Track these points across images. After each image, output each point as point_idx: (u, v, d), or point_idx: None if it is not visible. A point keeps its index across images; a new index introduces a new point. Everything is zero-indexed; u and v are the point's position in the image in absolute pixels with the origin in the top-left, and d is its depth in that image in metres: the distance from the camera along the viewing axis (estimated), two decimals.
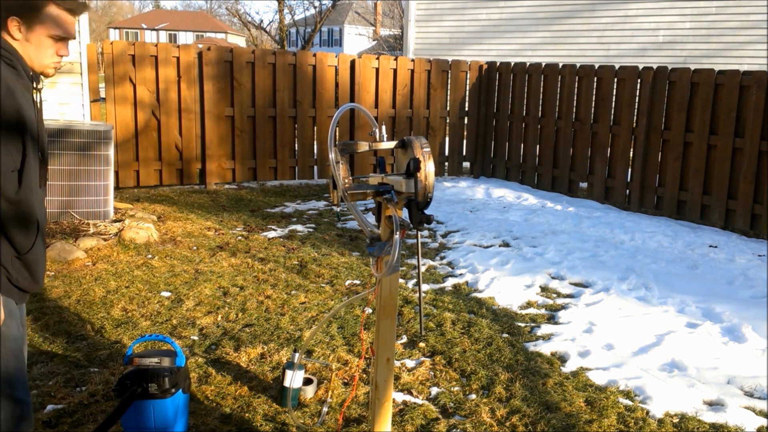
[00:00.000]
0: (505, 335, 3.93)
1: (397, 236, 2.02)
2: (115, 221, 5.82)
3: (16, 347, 1.94)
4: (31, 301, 4.09)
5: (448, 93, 8.97)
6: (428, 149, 2.06)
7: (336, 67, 8.26)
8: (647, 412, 3.12)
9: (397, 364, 3.48)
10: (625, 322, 4.14)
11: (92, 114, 7.17)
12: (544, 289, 4.76)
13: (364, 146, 2.22)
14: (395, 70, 8.53)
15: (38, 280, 2.00)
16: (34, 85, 1.98)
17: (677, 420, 3.07)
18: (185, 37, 59.40)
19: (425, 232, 6.20)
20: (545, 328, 4.05)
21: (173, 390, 2.62)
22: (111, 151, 5.94)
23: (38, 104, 2.02)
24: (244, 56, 7.75)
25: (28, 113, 1.88)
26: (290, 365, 3.00)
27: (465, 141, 9.24)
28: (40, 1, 1.89)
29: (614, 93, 7.60)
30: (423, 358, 3.59)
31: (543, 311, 4.38)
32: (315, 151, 8.28)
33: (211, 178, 7.75)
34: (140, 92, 7.31)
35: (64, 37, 1.96)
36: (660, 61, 9.84)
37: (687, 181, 6.91)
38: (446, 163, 9.11)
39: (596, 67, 7.80)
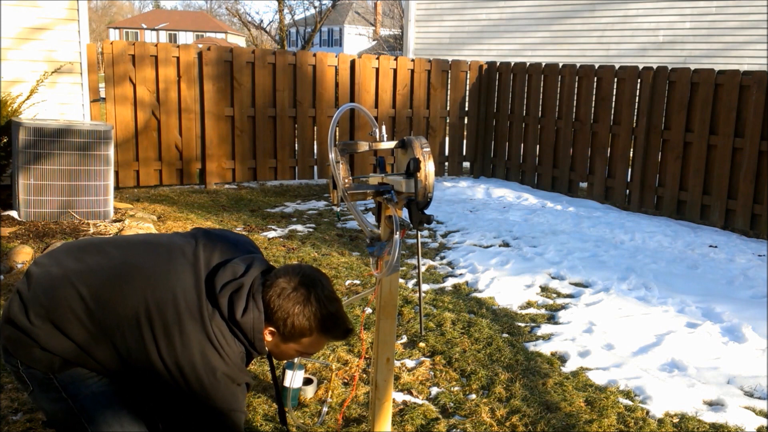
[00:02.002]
0: (505, 335, 3.93)
1: (397, 236, 2.02)
2: (115, 221, 5.82)
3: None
4: None
5: (448, 93, 8.97)
6: (428, 149, 2.06)
7: (336, 67, 8.26)
8: (647, 412, 3.12)
9: (397, 364, 3.48)
10: (625, 322, 4.14)
11: (92, 114, 7.17)
12: (544, 289, 4.76)
13: (364, 146, 2.22)
14: (395, 70, 8.53)
15: None
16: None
17: (677, 420, 3.07)
18: (185, 37, 59.40)
19: (425, 232, 6.20)
20: (545, 328, 4.05)
21: None
22: (111, 151, 5.94)
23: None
24: (244, 56, 7.75)
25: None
26: (290, 365, 3.00)
27: (465, 141, 9.24)
28: (308, 332, 1.90)
29: (614, 93, 7.60)
30: (423, 358, 3.59)
31: (543, 311, 4.37)
32: (315, 151, 8.28)
33: (211, 178, 7.75)
34: (140, 92, 7.31)
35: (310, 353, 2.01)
36: (660, 61, 9.84)
37: (687, 181, 6.91)
38: (446, 163, 9.10)
39: (596, 67, 7.80)
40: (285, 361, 3.15)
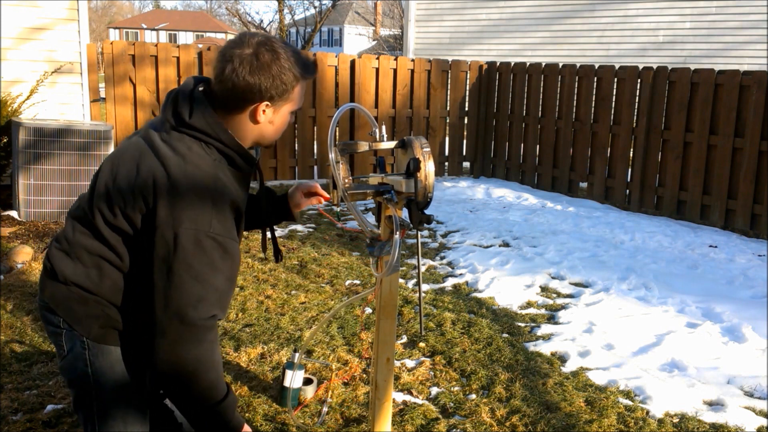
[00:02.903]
0: (505, 335, 3.93)
1: (397, 236, 2.02)
2: None
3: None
4: (31, 301, 4.09)
5: (448, 93, 8.97)
6: (428, 149, 2.06)
7: (336, 67, 8.26)
8: (647, 412, 3.12)
9: (397, 364, 3.48)
10: (625, 322, 4.14)
11: (92, 114, 7.17)
12: (544, 289, 4.76)
13: (364, 146, 2.22)
14: (395, 70, 8.53)
15: None
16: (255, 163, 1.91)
17: (677, 420, 3.07)
18: (185, 37, 59.40)
19: (425, 232, 6.20)
20: (545, 328, 4.05)
21: None
22: (111, 151, 5.94)
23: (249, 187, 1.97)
24: None
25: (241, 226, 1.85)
26: (290, 365, 3.00)
27: (465, 141, 9.24)
28: (295, 81, 1.80)
29: (614, 93, 7.60)
30: (423, 358, 3.59)
31: (543, 311, 4.38)
32: (315, 151, 8.28)
33: None
34: (140, 92, 7.31)
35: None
36: (660, 61, 9.84)
37: (687, 181, 6.91)
38: (446, 163, 9.10)
39: (596, 67, 7.80)
40: (285, 361, 3.15)
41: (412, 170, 2.03)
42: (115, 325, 1.84)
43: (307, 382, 3.14)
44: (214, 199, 1.70)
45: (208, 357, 1.75)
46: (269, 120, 1.83)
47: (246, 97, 1.76)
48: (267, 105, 1.79)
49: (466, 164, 9.43)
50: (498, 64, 9.00)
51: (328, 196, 2.23)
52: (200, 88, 1.80)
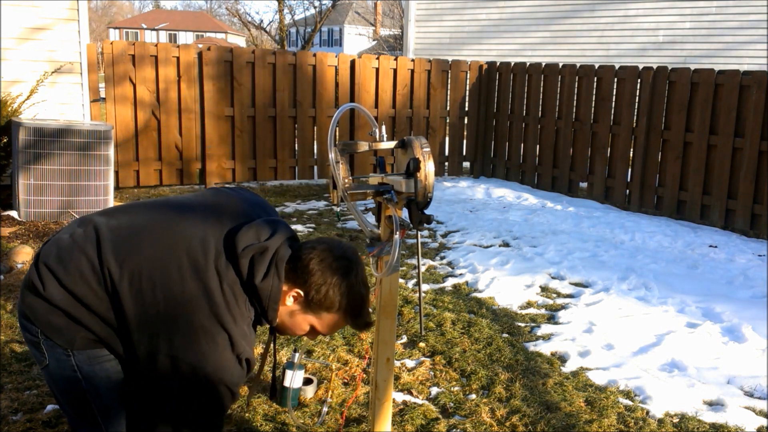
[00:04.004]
0: (505, 335, 3.93)
1: (397, 236, 2.02)
2: None
3: None
4: None
5: (448, 93, 8.97)
6: (428, 149, 2.05)
7: (336, 67, 8.26)
8: (647, 412, 3.12)
9: (397, 364, 3.48)
10: (625, 322, 4.14)
11: (92, 114, 7.17)
12: (544, 289, 4.76)
13: (364, 146, 2.22)
14: (395, 70, 8.53)
15: None
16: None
17: (677, 420, 3.07)
18: (185, 37, 59.40)
19: (425, 232, 6.20)
20: (545, 328, 4.05)
21: None
22: (111, 151, 5.94)
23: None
24: (244, 56, 7.75)
25: None
26: (290, 365, 3.00)
27: (465, 141, 9.24)
28: (334, 308, 1.84)
29: (614, 93, 7.60)
30: (423, 358, 3.59)
31: (543, 311, 4.38)
32: (315, 151, 8.28)
33: (211, 178, 7.75)
34: (140, 92, 7.31)
35: (319, 333, 1.93)
36: (660, 61, 9.84)
37: (687, 181, 6.91)
38: (446, 163, 9.10)
39: (596, 67, 7.80)
40: (285, 361, 3.15)
41: (412, 170, 2.03)
42: (98, 342, 1.80)
43: (307, 382, 3.14)
44: (240, 355, 1.75)
45: None
46: (290, 312, 1.87)
47: (300, 274, 1.81)
48: (297, 296, 1.84)
49: (466, 164, 9.43)
50: (498, 64, 9.00)
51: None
52: (286, 259, 1.80)
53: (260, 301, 1.78)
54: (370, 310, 1.90)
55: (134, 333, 1.73)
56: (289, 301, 1.84)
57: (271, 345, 2.09)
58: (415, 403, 3.11)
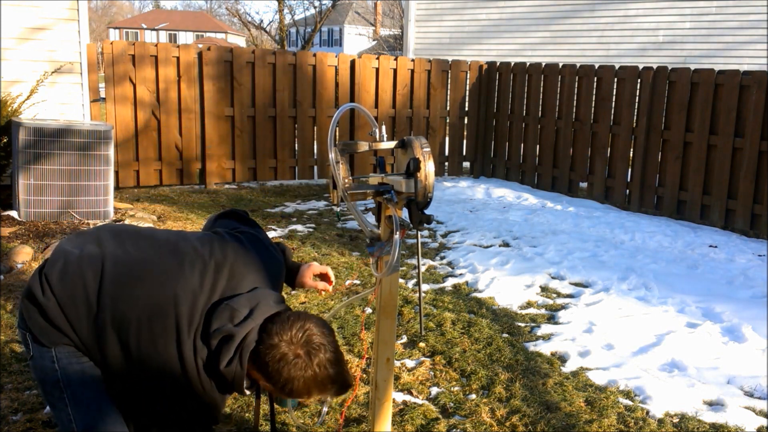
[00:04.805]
0: (505, 335, 3.93)
1: (397, 236, 2.02)
2: (116, 221, 5.82)
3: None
4: None
5: (448, 93, 8.97)
6: (428, 149, 2.05)
7: (336, 67, 8.26)
8: (647, 412, 3.12)
9: (397, 364, 3.48)
10: (625, 322, 4.14)
11: (92, 114, 7.17)
12: (544, 289, 4.76)
13: (364, 146, 2.22)
14: (395, 70, 8.53)
15: None
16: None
17: (677, 420, 3.07)
18: (185, 37, 59.40)
19: (425, 232, 6.20)
20: (545, 328, 4.05)
21: None
22: (111, 151, 5.94)
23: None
24: (244, 56, 7.75)
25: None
26: None
27: (465, 141, 9.24)
28: (306, 394, 1.88)
29: (614, 93, 7.60)
30: (423, 358, 3.59)
31: (543, 311, 4.37)
32: (315, 151, 8.28)
33: (211, 178, 7.76)
34: (140, 92, 7.31)
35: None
36: (660, 61, 9.84)
37: (687, 181, 6.91)
38: (446, 163, 9.11)
39: (596, 67, 7.80)
40: None
41: (412, 170, 2.03)
42: (81, 348, 1.91)
43: None
44: (210, 408, 1.92)
45: None
46: (262, 384, 1.93)
47: (263, 370, 1.85)
48: (262, 379, 1.89)
49: (466, 164, 9.43)
50: (498, 64, 9.00)
51: (332, 282, 2.33)
52: (251, 349, 1.83)
53: (225, 381, 1.86)
54: (344, 377, 1.91)
55: (111, 366, 1.87)
56: (256, 376, 1.89)
57: (261, 397, 2.15)
58: (415, 403, 3.11)
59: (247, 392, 1.93)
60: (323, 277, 2.34)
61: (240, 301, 1.86)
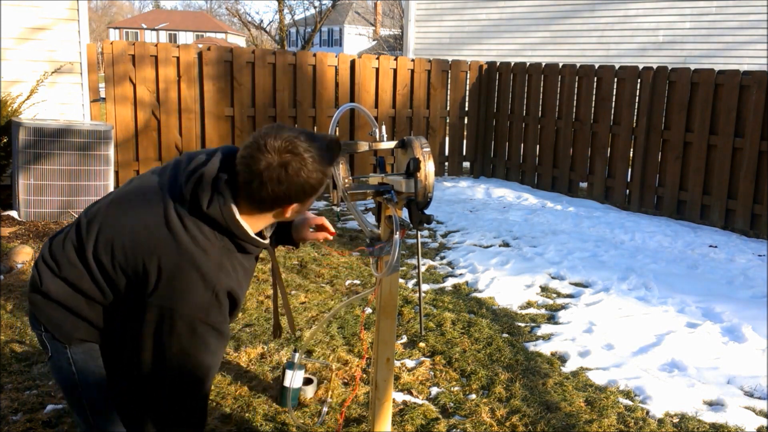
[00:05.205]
0: (505, 335, 3.93)
1: (397, 236, 2.02)
2: None
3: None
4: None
5: (448, 93, 8.97)
6: (428, 149, 2.06)
7: (336, 67, 8.26)
8: (647, 412, 3.12)
9: (397, 364, 3.48)
10: (625, 322, 4.14)
11: (92, 114, 7.17)
12: (544, 289, 4.76)
13: (364, 146, 2.22)
14: (395, 70, 8.53)
15: None
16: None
17: (677, 420, 3.07)
18: (185, 37, 59.40)
19: (425, 232, 6.20)
20: (545, 328, 4.05)
21: None
22: (111, 151, 5.94)
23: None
24: (244, 56, 7.75)
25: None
26: (290, 365, 3.00)
27: (465, 141, 9.24)
28: (323, 178, 1.74)
29: (614, 93, 7.60)
30: (423, 358, 3.59)
31: (543, 311, 4.38)
32: None
33: None
34: (140, 92, 7.31)
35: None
36: (660, 61, 9.84)
37: (687, 181, 6.91)
38: (446, 163, 9.10)
39: (596, 67, 7.80)
40: (285, 361, 3.15)
41: (412, 170, 2.03)
42: (95, 337, 1.84)
43: (307, 382, 3.14)
44: (215, 288, 1.69)
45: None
46: (296, 211, 1.81)
47: (275, 205, 1.75)
48: (296, 205, 1.77)
49: (466, 164, 9.43)
50: (498, 64, 9.00)
51: (334, 231, 2.22)
52: (225, 178, 1.74)
53: (219, 226, 1.72)
54: (328, 137, 1.78)
55: (116, 297, 1.75)
56: (290, 213, 1.78)
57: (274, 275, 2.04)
58: (415, 403, 3.11)
59: (259, 247, 1.81)
60: (319, 228, 2.22)
61: (200, 153, 1.80)
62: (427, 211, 2.05)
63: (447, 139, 9.15)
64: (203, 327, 1.69)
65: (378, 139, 2.24)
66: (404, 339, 3.83)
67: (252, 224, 1.78)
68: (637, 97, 7.34)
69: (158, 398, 1.74)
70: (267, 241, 1.90)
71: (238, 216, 1.73)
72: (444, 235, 6.16)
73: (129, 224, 1.73)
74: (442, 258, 5.46)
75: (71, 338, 1.82)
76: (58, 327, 1.81)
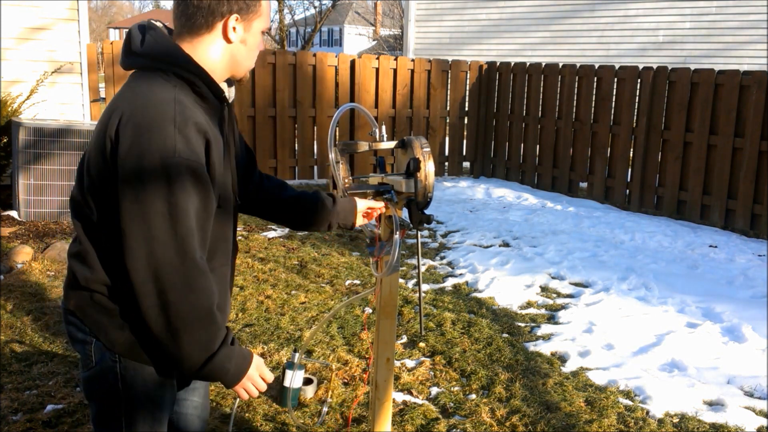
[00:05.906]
0: (505, 335, 3.93)
1: (397, 236, 2.02)
2: None
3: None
4: (31, 301, 4.09)
5: (448, 93, 8.96)
6: (428, 149, 2.05)
7: (336, 67, 8.26)
8: (647, 412, 3.12)
9: (397, 364, 3.48)
10: (625, 322, 4.14)
11: (92, 114, 7.17)
12: (544, 289, 4.76)
13: (364, 146, 2.21)
14: (395, 70, 8.53)
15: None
16: (226, 102, 1.72)
17: (677, 420, 3.07)
18: None
19: (425, 232, 6.20)
20: (545, 328, 4.05)
21: None
22: None
23: (227, 120, 1.76)
24: None
25: (219, 166, 1.63)
26: (290, 365, 3.00)
27: (465, 141, 9.24)
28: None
29: (614, 93, 7.60)
30: (423, 358, 3.59)
31: (543, 311, 4.37)
32: (315, 151, 8.27)
33: None
34: None
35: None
36: (660, 61, 9.83)
37: (687, 181, 6.91)
38: (446, 163, 9.10)
39: (596, 67, 7.80)
40: (285, 361, 3.14)
41: (412, 170, 2.03)
42: (139, 336, 1.66)
43: (307, 382, 3.14)
44: (176, 120, 1.53)
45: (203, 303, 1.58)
46: (241, 39, 1.65)
47: (213, 10, 1.59)
48: (237, 18, 1.61)
49: (466, 164, 9.43)
50: (498, 64, 9.00)
51: (381, 206, 2.13)
52: (157, 23, 1.64)
53: (162, 66, 1.58)
54: None
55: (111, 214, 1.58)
56: (233, 34, 1.63)
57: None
58: (415, 403, 3.11)
59: (216, 92, 1.66)
60: (369, 215, 2.13)
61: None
62: (427, 211, 2.04)
63: (447, 139, 9.15)
64: (174, 165, 1.52)
65: (378, 139, 2.24)
66: (404, 339, 3.83)
67: (197, 57, 1.62)
68: (637, 97, 7.34)
69: (141, 244, 1.52)
70: (228, 96, 1.76)
71: (174, 41, 1.61)
72: (444, 235, 6.16)
73: (93, 134, 1.62)
74: (442, 258, 5.46)
75: (115, 344, 1.66)
76: (104, 331, 1.65)
